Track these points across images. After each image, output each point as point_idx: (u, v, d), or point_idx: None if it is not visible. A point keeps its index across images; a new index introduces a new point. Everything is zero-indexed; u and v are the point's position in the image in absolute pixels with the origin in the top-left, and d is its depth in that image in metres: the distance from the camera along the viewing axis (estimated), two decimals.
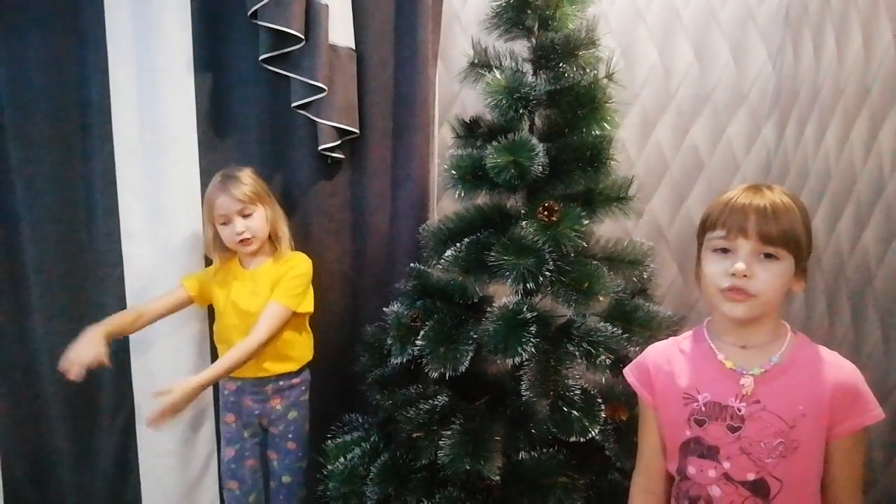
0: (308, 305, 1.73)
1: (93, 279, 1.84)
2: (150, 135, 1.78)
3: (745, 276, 0.99)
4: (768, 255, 0.99)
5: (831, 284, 1.58)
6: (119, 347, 1.83)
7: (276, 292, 1.66)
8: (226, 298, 1.69)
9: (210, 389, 1.87)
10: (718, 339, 1.09)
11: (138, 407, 1.88)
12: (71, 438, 1.91)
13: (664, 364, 1.14)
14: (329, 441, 1.69)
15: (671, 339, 1.19)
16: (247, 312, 1.67)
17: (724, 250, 1.02)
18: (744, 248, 1.00)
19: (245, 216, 1.64)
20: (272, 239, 1.73)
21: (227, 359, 1.57)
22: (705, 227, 1.07)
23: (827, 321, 1.59)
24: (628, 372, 1.21)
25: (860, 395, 1.01)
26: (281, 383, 1.73)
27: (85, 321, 1.83)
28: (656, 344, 1.20)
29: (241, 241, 1.64)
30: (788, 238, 0.98)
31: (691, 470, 1.08)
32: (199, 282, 1.73)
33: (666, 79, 2.00)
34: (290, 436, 1.75)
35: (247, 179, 1.66)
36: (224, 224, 1.65)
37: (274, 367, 1.71)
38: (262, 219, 1.67)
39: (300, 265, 1.72)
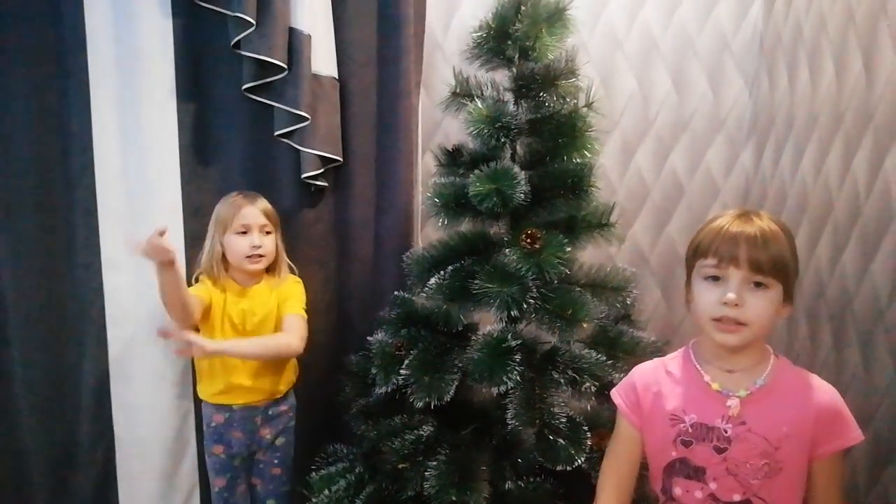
0: None
1: (72, 310, 1.81)
2: (132, 163, 1.76)
3: (735, 305, 1.00)
4: (758, 284, 1.01)
5: (812, 307, 1.60)
6: (99, 379, 1.81)
7: (289, 307, 1.70)
8: (222, 312, 1.68)
9: (191, 423, 1.85)
10: (705, 362, 1.10)
11: (118, 440, 1.84)
12: (49, 472, 1.86)
13: (652, 384, 1.15)
14: (314, 473, 1.66)
15: (657, 359, 1.20)
16: (244, 330, 1.68)
17: (715, 278, 1.04)
18: (735, 276, 1.01)
19: (265, 233, 1.67)
20: (270, 267, 1.75)
21: (254, 343, 1.63)
22: (696, 253, 1.08)
23: (809, 344, 1.61)
24: (615, 394, 1.21)
25: (841, 416, 1.03)
26: (270, 412, 1.72)
27: (64, 353, 1.82)
28: (643, 364, 1.21)
29: (253, 255, 1.65)
30: (778, 266, 1.00)
31: (677, 491, 1.09)
32: (204, 287, 1.68)
33: (645, 106, 2.04)
34: (276, 461, 1.74)
35: (267, 203, 1.72)
36: (242, 233, 1.65)
37: (263, 392, 1.69)
38: (274, 243, 1.71)
39: (297, 281, 1.78)
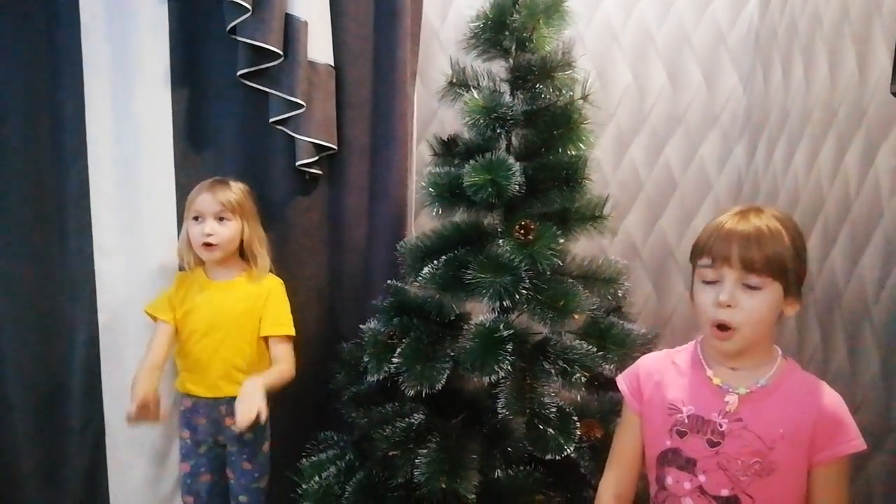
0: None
1: (64, 295, 1.80)
2: (126, 149, 1.76)
3: (728, 306, 1.00)
4: (753, 285, 1.00)
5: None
6: (89, 365, 1.80)
7: (277, 328, 1.69)
8: (191, 310, 1.66)
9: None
10: (710, 357, 1.12)
11: (108, 423, 1.84)
12: (39, 456, 1.86)
13: (655, 374, 1.17)
14: (304, 459, 1.67)
15: (666, 350, 1.21)
16: (213, 325, 1.65)
17: (713, 280, 1.04)
18: (728, 277, 1.01)
19: (219, 220, 1.63)
20: (246, 257, 1.72)
21: (275, 376, 1.62)
22: (694, 253, 1.08)
23: (797, 338, 1.62)
24: (620, 380, 1.23)
25: (842, 424, 1.02)
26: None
27: (55, 338, 1.81)
28: (650, 354, 1.24)
29: (205, 244, 1.62)
30: (772, 265, 0.99)
31: (669, 480, 1.10)
32: (167, 304, 1.68)
33: (640, 100, 2.05)
34: (245, 456, 1.70)
35: (235, 189, 1.68)
36: (196, 220, 1.63)
37: (228, 388, 1.65)
38: (234, 230, 1.66)
39: (281, 290, 1.74)
